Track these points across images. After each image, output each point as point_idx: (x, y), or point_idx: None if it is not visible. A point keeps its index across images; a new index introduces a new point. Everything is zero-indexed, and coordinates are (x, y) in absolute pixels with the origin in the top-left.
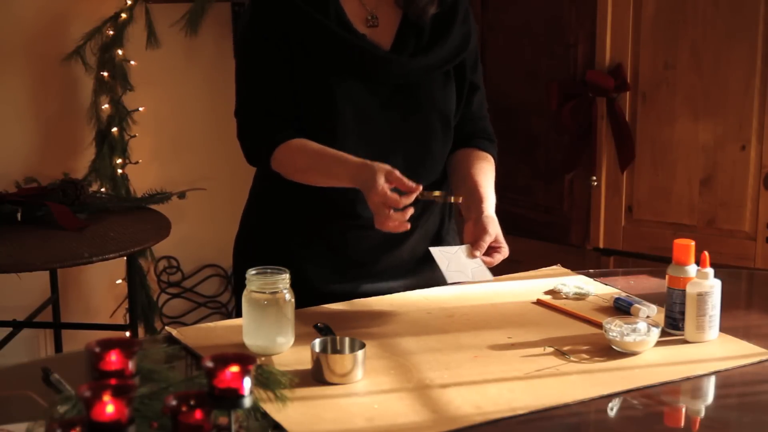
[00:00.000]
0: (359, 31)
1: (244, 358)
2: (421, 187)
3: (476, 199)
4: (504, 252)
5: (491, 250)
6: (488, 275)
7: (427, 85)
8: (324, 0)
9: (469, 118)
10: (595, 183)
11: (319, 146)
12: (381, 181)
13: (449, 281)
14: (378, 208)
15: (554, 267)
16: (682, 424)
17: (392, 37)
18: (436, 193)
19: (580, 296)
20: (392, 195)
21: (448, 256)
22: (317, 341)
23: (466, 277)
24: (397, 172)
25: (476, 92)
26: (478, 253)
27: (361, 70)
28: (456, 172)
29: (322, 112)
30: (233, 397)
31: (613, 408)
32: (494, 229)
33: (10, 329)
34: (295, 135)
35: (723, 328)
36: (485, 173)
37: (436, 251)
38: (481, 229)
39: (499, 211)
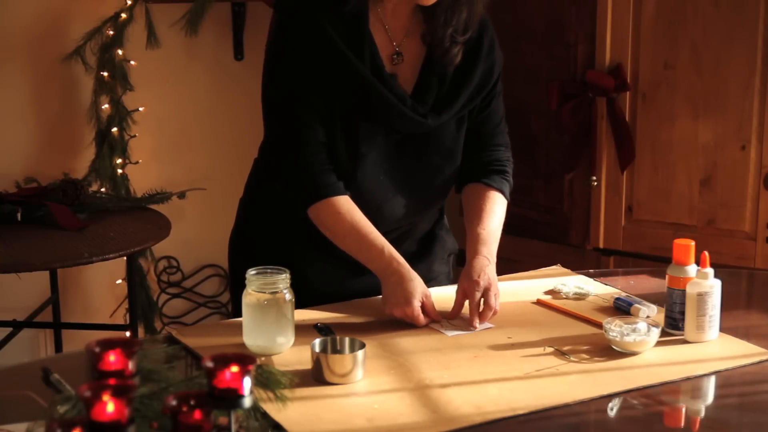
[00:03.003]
0: (388, 71)
1: (244, 358)
2: (442, 320)
3: (471, 256)
4: (492, 306)
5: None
6: (488, 324)
7: (440, 132)
8: (359, 35)
9: (480, 146)
10: (595, 183)
11: (361, 219)
12: (417, 304)
13: (450, 335)
14: (402, 317)
15: (554, 267)
16: (682, 424)
17: (415, 76)
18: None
19: (580, 296)
20: (420, 317)
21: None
22: (317, 341)
23: (467, 331)
24: (431, 298)
25: (489, 120)
26: (477, 325)
27: (384, 118)
28: (465, 218)
29: (346, 151)
30: (233, 397)
31: (613, 408)
32: (490, 292)
33: (10, 329)
34: (338, 186)
35: (723, 328)
36: (489, 226)
37: (434, 324)
38: (475, 295)
39: None
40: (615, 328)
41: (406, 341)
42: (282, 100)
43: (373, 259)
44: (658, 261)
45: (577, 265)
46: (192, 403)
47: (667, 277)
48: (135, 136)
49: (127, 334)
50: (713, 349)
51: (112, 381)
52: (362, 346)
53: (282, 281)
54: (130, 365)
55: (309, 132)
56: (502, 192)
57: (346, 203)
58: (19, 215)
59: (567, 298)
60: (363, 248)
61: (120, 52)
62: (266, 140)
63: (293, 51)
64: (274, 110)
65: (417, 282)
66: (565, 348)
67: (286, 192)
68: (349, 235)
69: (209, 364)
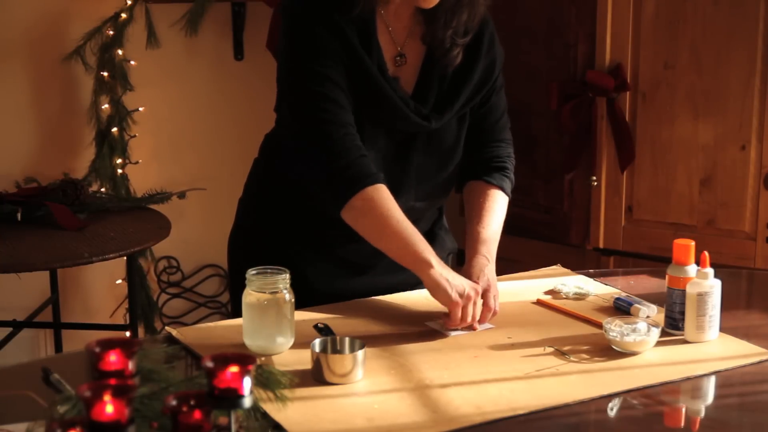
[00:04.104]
0: (391, 74)
1: (244, 358)
2: (476, 326)
3: (470, 256)
4: (491, 307)
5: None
6: (488, 324)
7: (441, 131)
8: (367, 38)
9: (481, 142)
10: (595, 183)
11: (403, 218)
12: (474, 294)
13: (450, 335)
14: (467, 301)
15: (554, 267)
16: (682, 424)
17: (416, 75)
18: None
19: (580, 296)
20: (473, 311)
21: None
22: (317, 341)
23: (467, 331)
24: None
25: (489, 115)
26: (477, 326)
27: (389, 120)
28: (466, 216)
29: None
30: (233, 397)
31: (613, 408)
32: (489, 293)
33: (10, 329)
34: (380, 174)
35: (723, 328)
36: (488, 224)
37: (433, 324)
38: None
39: None
40: (615, 328)
41: (406, 341)
42: (308, 85)
43: (424, 249)
44: (658, 261)
45: (577, 265)
46: (192, 403)
47: (667, 277)
48: (135, 136)
49: (127, 334)
50: (713, 349)
51: (112, 381)
52: (362, 346)
53: (282, 281)
54: (130, 365)
55: (344, 111)
56: (503, 189)
57: (386, 195)
58: (19, 215)
59: (567, 298)
60: (416, 239)
61: (120, 52)
62: (293, 135)
63: (313, 42)
64: (301, 98)
65: (470, 284)
66: (565, 348)
67: (324, 180)
68: (403, 221)
69: (209, 364)
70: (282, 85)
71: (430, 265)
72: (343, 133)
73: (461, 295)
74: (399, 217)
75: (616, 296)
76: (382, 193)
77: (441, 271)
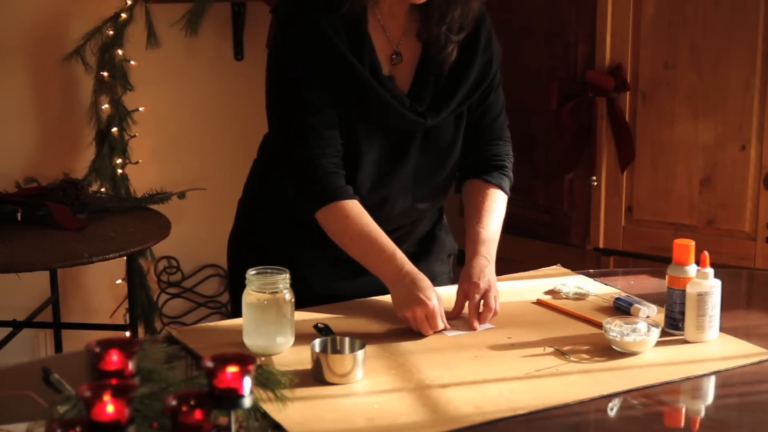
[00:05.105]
0: (386, 73)
1: (244, 358)
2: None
3: (471, 256)
4: (492, 308)
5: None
6: (489, 325)
7: (439, 129)
8: (358, 38)
9: (479, 141)
10: (595, 183)
11: (370, 223)
12: (436, 302)
13: (450, 335)
14: (419, 318)
15: (554, 267)
16: (682, 424)
17: (412, 74)
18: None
19: (580, 296)
20: (438, 317)
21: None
22: (317, 341)
23: (467, 331)
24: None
25: (488, 113)
26: (477, 326)
27: (383, 120)
28: (465, 216)
29: (346, 151)
30: (233, 397)
31: (613, 408)
32: (490, 293)
33: (10, 329)
34: (346, 190)
35: (723, 328)
36: (488, 224)
37: None
38: (474, 297)
39: None
40: (615, 328)
41: (406, 341)
42: (287, 103)
43: (382, 263)
44: (658, 261)
45: (577, 265)
46: (192, 403)
47: (667, 277)
48: (135, 136)
49: (127, 334)
50: (713, 349)
51: (112, 381)
52: (362, 346)
53: (282, 281)
54: (130, 365)
55: (315, 134)
56: (502, 188)
57: (354, 207)
58: (19, 215)
59: (567, 298)
60: (372, 253)
61: (120, 52)
62: (272, 144)
63: (297, 52)
64: (280, 113)
65: (430, 284)
66: (565, 348)
67: (293, 196)
68: (357, 239)
69: (209, 364)
70: (268, 96)
71: (386, 279)
72: (318, 153)
73: (400, 308)
74: (354, 233)
75: (616, 296)
76: (338, 210)
77: (394, 284)
